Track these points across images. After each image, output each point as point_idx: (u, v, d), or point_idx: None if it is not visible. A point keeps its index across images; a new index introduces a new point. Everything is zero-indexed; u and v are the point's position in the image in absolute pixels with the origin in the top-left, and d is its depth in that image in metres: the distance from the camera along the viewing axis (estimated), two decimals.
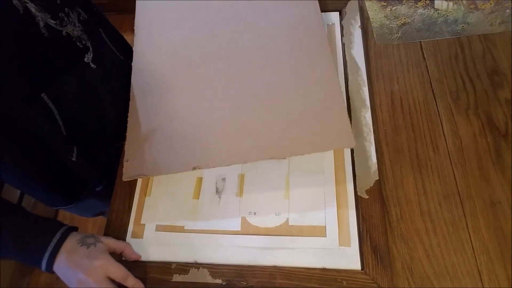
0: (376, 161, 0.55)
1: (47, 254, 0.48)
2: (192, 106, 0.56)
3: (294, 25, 0.61)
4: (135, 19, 0.67)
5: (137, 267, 0.52)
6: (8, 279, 1.21)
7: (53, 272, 0.49)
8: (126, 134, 0.56)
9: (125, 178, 0.53)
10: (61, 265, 0.48)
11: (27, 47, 0.49)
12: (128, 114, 0.58)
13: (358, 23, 0.68)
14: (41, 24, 0.49)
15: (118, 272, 0.48)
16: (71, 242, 0.49)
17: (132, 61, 0.63)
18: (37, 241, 0.49)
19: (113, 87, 0.64)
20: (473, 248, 0.49)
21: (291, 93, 0.54)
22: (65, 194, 0.68)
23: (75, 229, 0.52)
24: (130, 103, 0.59)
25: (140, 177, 0.55)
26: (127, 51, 0.72)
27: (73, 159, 0.59)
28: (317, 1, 0.62)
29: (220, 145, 0.52)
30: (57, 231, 0.50)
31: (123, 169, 0.54)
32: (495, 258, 0.48)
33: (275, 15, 0.63)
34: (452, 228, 0.51)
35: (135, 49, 0.64)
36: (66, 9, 0.53)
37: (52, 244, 0.49)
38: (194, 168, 0.50)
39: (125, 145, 0.55)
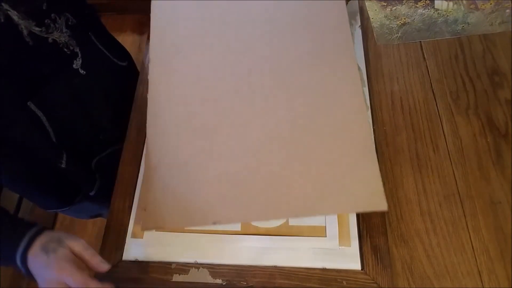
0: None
1: (19, 263, 0.45)
2: (213, 155, 0.53)
3: (324, 55, 0.56)
4: (151, 37, 0.60)
5: (137, 267, 0.52)
6: (8, 279, 1.21)
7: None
8: (143, 178, 0.52)
9: (144, 229, 0.51)
10: (32, 271, 0.45)
11: (11, 57, 0.47)
12: (144, 156, 0.55)
13: (358, 23, 0.68)
14: (25, 32, 0.47)
15: (76, 280, 0.43)
16: (35, 248, 0.45)
17: (127, 63, 0.61)
18: (7, 249, 0.46)
19: (106, 92, 0.63)
20: (473, 248, 0.49)
21: (318, 144, 0.50)
22: (60, 198, 0.67)
23: (44, 229, 0.48)
24: (146, 141, 0.54)
25: (158, 230, 0.54)
26: (121, 53, 0.71)
27: (63, 166, 0.58)
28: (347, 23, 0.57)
29: (241, 198, 0.49)
30: (23, 237, 0.46)
31: (142, 218, 0.49)
32: (495, 258, 0.48)
33: (302, 39, 0.58)
34: (452, 228, 0.51)
35: (150, 85, 0.57)
36: (52, 15, 0.50)
37: (19, 252, 0.45)
38: (214, 223, 0.48)
39: (141, 190, 0.52)
